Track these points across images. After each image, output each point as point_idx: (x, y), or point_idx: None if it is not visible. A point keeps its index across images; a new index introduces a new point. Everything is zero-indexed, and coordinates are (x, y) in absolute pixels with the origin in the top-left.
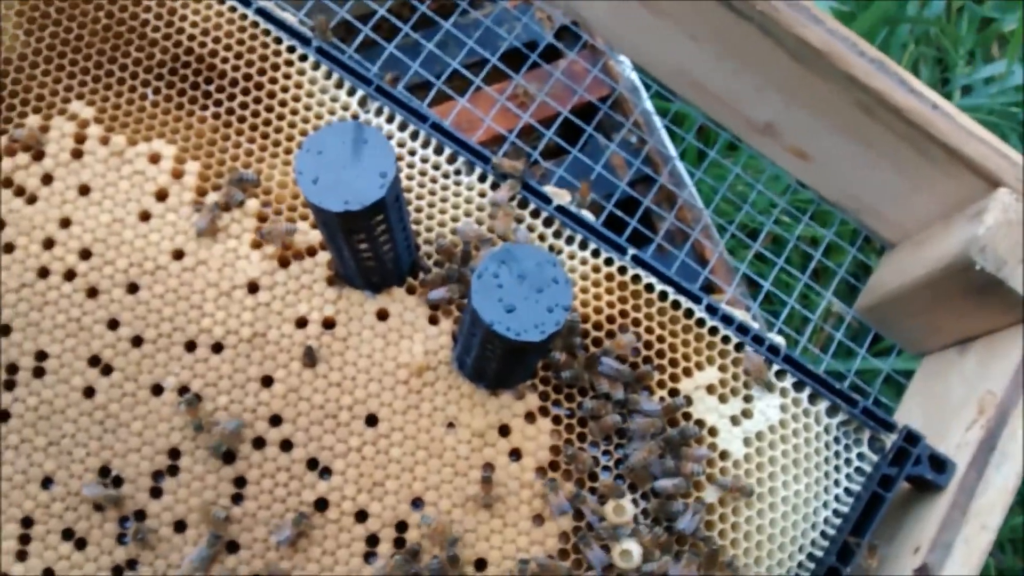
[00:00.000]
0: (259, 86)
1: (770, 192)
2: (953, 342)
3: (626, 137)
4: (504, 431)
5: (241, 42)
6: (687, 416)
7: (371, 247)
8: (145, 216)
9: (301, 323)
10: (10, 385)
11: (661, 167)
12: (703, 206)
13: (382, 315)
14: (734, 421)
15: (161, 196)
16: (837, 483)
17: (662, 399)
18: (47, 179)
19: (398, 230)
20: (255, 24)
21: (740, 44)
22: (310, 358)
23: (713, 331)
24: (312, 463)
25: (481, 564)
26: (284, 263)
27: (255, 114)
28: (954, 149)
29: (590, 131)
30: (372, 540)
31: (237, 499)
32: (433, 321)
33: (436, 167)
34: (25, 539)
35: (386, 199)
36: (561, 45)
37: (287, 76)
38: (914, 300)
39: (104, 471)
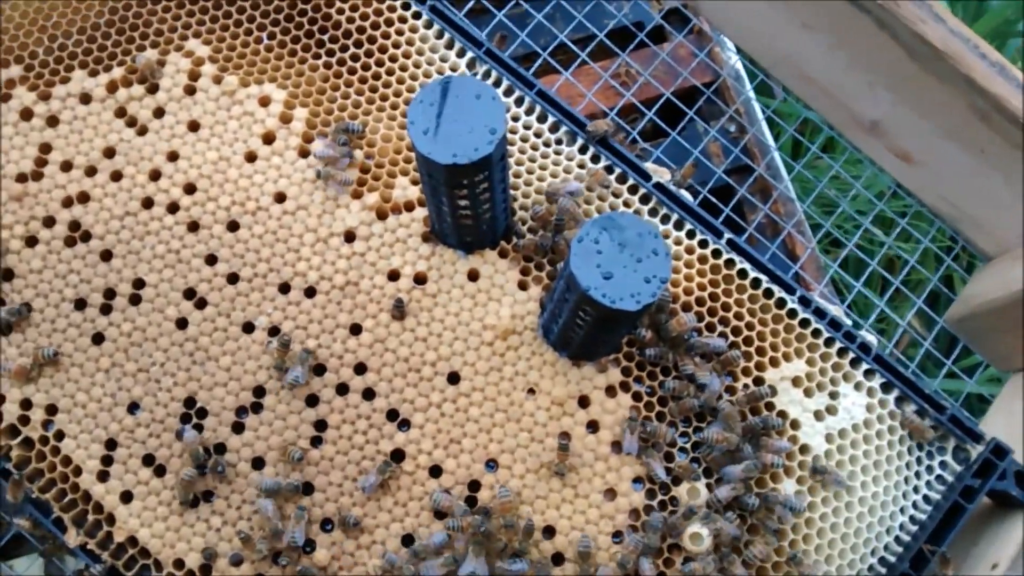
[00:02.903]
0: (372, 40)
1: (867, 192)
2: None
3: (725, 126)
4: (583, 402)
5: None
6: (770, 406)
7: (471, 204)
8: (251, 157)
9: (393, 276)
10: (106, 309)
11: (759, 158)
12: (798, 201)
13: (473, 276)
14: (817, 416)
15: (268, 139)
16: (916, 489)
17: (746, 386)
18: (159, 112)
19: (499, 190)
20: None
21: (855, 37)
22: (399, 311)
23: (804, 323)
24: (392, 414)
25: (549, 531)
26: (382, 216)
27: (365, 67)
28: None
29: (691, 115)
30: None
31: (316, 442)
32: (522, 287)
33: (538, 135)
34: (107, 460)
35: (493, 156)
36: (668, 27)
37: (399, 32)
38: (1011, 313)
39: (189, 402)
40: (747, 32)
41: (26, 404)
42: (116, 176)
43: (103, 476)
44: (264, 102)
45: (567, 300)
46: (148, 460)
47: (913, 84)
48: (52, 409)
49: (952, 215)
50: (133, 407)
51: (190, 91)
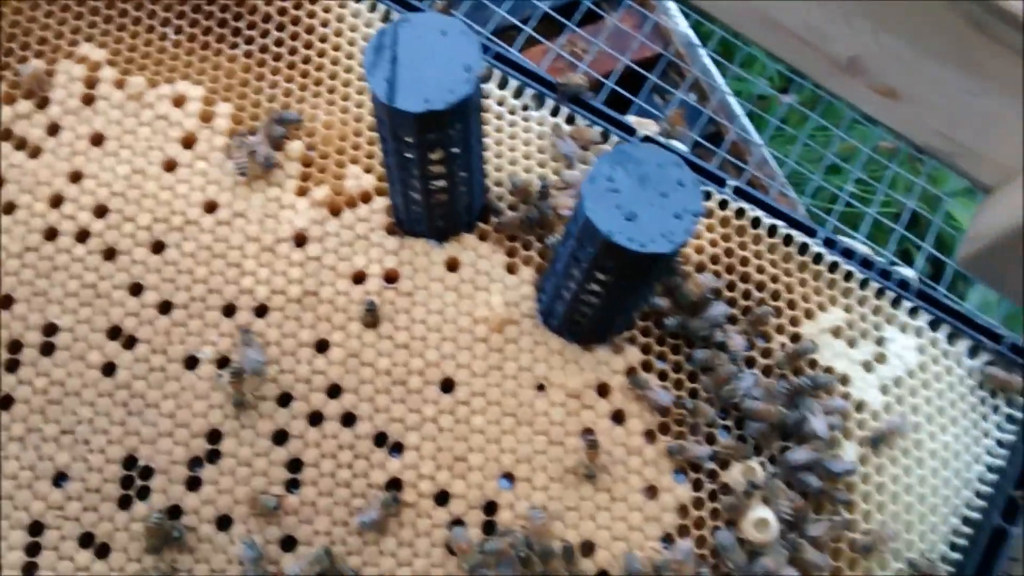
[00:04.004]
0: (296, 20)
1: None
2: None
3: (684, 95)
4: (603, 391)
5: None
6: (814, 364)
7: (447, 170)
8: (170, 166)
9: (358, 278)
10: (13, 366)
11: (726, 124)
12: (773, 161)
13: (452, 265)
14: (867, 367)
15: (188, 143)
16: (987, 434)
17: (783, 345)
18: (53, 129)
19: (476, 150)
20: None
21: None
22: (372, 317)
23: (833, 267)
24: (380, 438)
25: (588, 548)
26: (335, 211)
27: (292, 51)
28: None
29: (655, 79)
30: (456, 525)
31: (292, 486)
32: (511, 270)
33: (501, 102)
34: (34, 549)
35: (472, 98)
36: (603, 7)
37: (327, 9)
38: None
39: (130, 461)
40: None
41: None
42: (8, 208)
43: (30, 569)
44: (179, 102)
45: (578, 261)
46: (86, 540)
47: (895, 3)
48: None
49: (947, 150)
50: (60, 478)
51: (88, 101)
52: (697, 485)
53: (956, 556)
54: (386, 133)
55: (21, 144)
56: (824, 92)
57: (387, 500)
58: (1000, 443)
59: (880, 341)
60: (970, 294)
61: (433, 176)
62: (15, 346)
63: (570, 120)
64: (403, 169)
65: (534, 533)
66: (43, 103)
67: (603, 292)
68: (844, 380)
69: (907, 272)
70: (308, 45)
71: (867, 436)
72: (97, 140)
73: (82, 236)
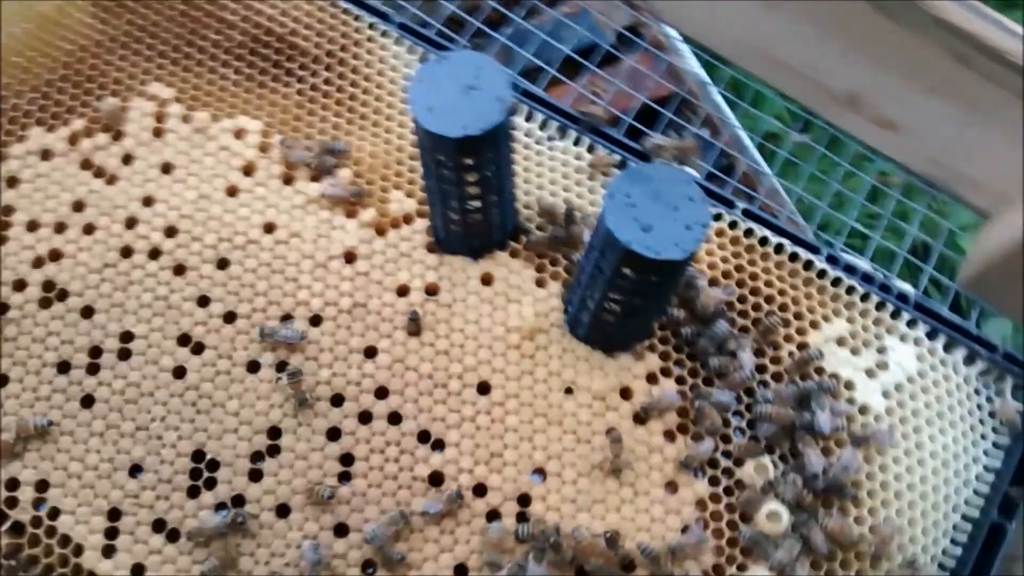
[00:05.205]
0: (342, 62)
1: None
2: None
3: (698, 131)
4: (626, 394)
5: (321, 21)
6: (820, 371)
7: (481, 191)
8: (232, 191)
9: (402, 291)
10: (94, 369)
11: (738, 157)
12: (783, 191)
13: (486, 280)
14: (870, 374)
15: (248, 171)
16: (984, 436)
17: (791, 354)
18: (127, 159)
19: (507, 175)
20: (334, 3)
21: (817, 2)
22: (415, 325)
23: (836, 282)
24: (423, 436)
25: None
26: (381, 232)
27: (339, 89)
28: None
29: (670, 116)
30: (493, 515)
31: (344, 478)
32: (540, 284)
33: (528, 134)
34: (112, 533)
35: (504, 125)
36: (630, 37)
37: (370, 52)
38: None
39: (198, 455)
40: (706, 24)
41: (12, 484)
42: (89, 229)
43: (109, 551)
44: (239, 134)
45: (601, 272)
46: (159, 525)
47: (887, 42)
48: (43, 485)
49: (945, 178)
50: (135, 470)
51: (158, 133)
52: (714, 481)
53: (957, 551)
54: (427, 159)
55: (99, 172)
56: (829, 127)
57: (452, 495)
58: (996, 445)
59: (881, 350)
60: (986, 325)
61: (469, 197)
62: (95, 352)
63: (591, 149)
64: (442, 192)
65: (582, 553)
66: (118, 136)
67: (623, 299)
68: (849, 385)
69: (905, 286)
70: (353, 83)
71: (860, 435)
72: (167, 169)
73: (154, 254)
